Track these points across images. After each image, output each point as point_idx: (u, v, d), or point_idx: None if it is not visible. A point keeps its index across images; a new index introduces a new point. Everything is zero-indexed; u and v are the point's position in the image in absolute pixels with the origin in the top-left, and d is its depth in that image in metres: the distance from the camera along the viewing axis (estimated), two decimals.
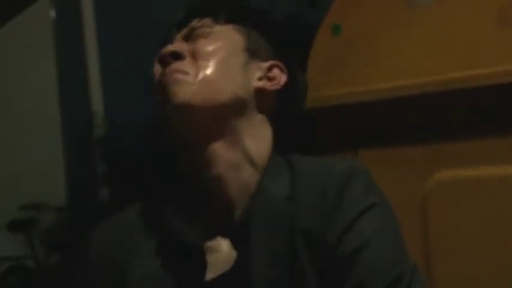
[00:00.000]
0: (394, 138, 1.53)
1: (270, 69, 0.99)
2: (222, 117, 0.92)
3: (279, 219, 0.87)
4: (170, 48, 0.95)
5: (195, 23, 0.98)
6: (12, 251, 6.36)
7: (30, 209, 6.37)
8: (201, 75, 0.92)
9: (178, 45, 0.97)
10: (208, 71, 0.93)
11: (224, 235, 0.91)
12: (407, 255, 0.87)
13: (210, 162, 0.91)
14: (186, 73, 0.93)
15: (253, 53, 0.98)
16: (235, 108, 0.93)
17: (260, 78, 0.98)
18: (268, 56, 1.00)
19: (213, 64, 0.94)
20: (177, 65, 0.94)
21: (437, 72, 1.48)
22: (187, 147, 0.92)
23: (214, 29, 0.97)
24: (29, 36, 6.64)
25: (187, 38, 0.98)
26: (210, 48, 0.95)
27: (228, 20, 0.99)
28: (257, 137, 0.95)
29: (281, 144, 0.99)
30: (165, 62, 0.94)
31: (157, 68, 0.97)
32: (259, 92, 0.97)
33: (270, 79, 0.99)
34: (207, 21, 0.98)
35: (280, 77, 0.99)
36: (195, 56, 0.95)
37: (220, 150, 0.91)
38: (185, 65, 0.94)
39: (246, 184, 0.91)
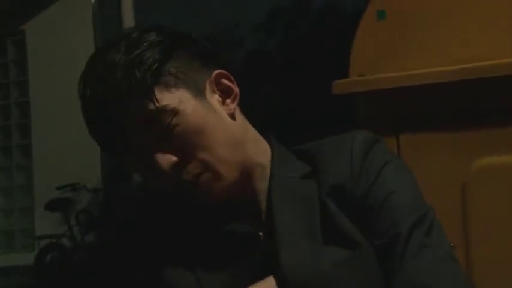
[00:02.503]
0: (435, 124, 1.54)
1: (217, 83, 0.97)
2: (242, 164, 0.96)
3: (296, 193, 0.96)
4: (165, 166, 0.90)
5: (144, 119, 0.90)
6: (49, 230, 6.51)
7: (67, 190, 6.52)
8: (214, 164, 0.92)
9: (164, 157, 0.91)
10: (213, 155, 0.92)
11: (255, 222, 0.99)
12: (425, 201, 0.97)
13: (247, 192, 0.98)
14: (199, 174, 0.92)
15: (197, 88, 0.94)
16: (239, 146, 0.97)
17: (222, 102, 0.97)
18: (203, 74, 0.96)
19: (207, 144, 0.92)
20: (187, 174, 0.92)
21: (482, 58, 1.48)
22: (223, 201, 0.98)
23: (166, 110, 0.90)
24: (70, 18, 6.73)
25: (151, 130, 0.91)
26: (193, 139, 0.91)
27: (155, 82, 0.90)
28: (253, 140, 1.01)
29: (315, 130, 1.04)
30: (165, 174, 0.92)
31: (154, 175, 0.93)
32: (232, 114, 0.98)
33: (224, 92, 0.98)
34: (149, 109, 0.89)
35: (232, 86, 0.98)
36: (185, 151, 0.91)
37: (250, 180, 0.98)
38: (191, 167, 0.92)
39: (266, 177, 0.99)
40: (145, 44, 0.92)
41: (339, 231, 0.92)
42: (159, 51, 0.92)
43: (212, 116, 0.94)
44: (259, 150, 1.00)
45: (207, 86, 0.96)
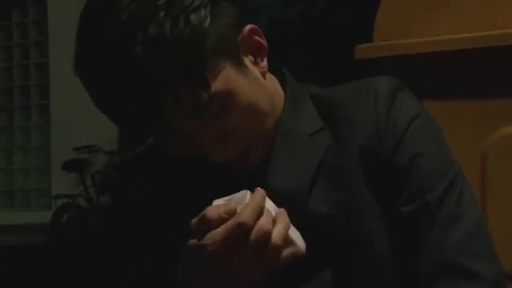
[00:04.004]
0: (458, 92, 1.52)
1: (249, 40, 0.87)
2: (276, 124, 0.90)
3: (299, 153, 0.89)
4: (212, 150, 0.84)
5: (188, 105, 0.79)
6: (66, 190, 6.58)
7: (83, 151, 6.57)
8: (262, 137, 0.87)
9: (211, 141, 0.83)
10: (261, 129, 0.86)
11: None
12: (452, 158, 0.91)
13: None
14: (247, 150, 0.86)
15: (235, 56, 0.84)
16: (275, 106, 0.91)
17: (254, 62, 0.88)
18: (235, 32, 0.85)
19: (255, 121, 0.85)
20: (235, 152, 0.85)
21: (509, 25, 1.45)
22: None
23: (215, 96, 0.80)
24: None
25: (196, 118, 0.82)
26: (240, 119, 0.83)
27: (205, 64, 0.79)
28: (277, 92, 0.93)
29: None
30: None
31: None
32: (265, 73, 0.89)
33: (256, 50, 0.88)
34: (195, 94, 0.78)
35: (262, 42, 0.88)
36: (232, 131, 0.84)
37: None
38: (239, 146, 0.85)
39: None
40: (187, 10, 0.78)
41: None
42: (203, 19, 0.79)
43: (254, 87, 0.85)
44: (281, 98, 0.93)
45: (240, 47, 0.85)
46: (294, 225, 0.81)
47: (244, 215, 0.76)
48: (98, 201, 6.47)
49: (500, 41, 1.45)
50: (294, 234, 0.80)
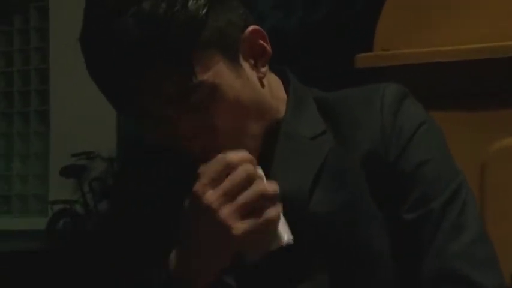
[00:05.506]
0: (457, 103, 1.52)
1: (252, 43, 0.85)
2: (265, 129, 0.89)
3: (300, 158, 0.88)
4: (189, 137, 0.82)
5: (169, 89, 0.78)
6: (63, 196, 6.56)
7: (82, 157, 6.55)
8: (243, 138, 0.85)
9: (189, 129, 0.82)
10: (243, 129, 0.84)
11: None
12: (456, 167, 0.91)
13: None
14: (225, 145, 0.81)
15: (232, 53, 0.82)
16: (267, 112, 0.89)
17: (254, 65, 0.86)
18: (237, 29, 0.84)
19: (239, 120, 0.83)
20: (212, 145, 0.82)
21: (508, 37, 1.46)
22: None
23: (202, 85, 0.79)
24: None
25: (178, 104, 0.81)
26: (224, 114, 0.82)
27: (193, 54, 0.78)
28: (276, 97, 0.92)
29: None
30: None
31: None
32: (262, 78, 0.88)
33: (257, 54, 0.87)
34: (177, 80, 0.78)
35: (266, 47, 0.87)
36: (214, 124, 0.83)
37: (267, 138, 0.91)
38: (218, 140, 0.83)
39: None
40: None
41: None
42: (201, 7, 0.79)
43: (245, 88, 0.84)
44: (281, 102, 0.92)
45: (240, 46, 0.84)
46: (294, 226, 0.81)
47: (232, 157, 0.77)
48: (95, 208, 6.45)
49: (501, 52, 1.45)
50: (283, 228, 0.79)
